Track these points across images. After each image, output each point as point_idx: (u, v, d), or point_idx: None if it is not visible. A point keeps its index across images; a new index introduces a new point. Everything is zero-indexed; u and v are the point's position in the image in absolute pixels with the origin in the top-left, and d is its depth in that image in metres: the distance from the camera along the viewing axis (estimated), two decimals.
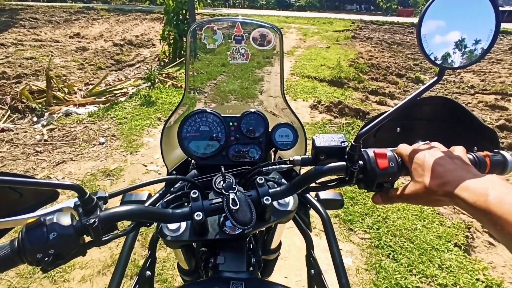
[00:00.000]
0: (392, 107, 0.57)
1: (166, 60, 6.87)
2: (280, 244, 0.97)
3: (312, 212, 0.77)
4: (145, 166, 2.91)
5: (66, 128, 3.60)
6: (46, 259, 0.41)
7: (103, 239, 0.47)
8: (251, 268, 0.66)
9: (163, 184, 0.75)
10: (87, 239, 0.47)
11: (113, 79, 5.81)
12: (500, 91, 5.40)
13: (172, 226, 0.58)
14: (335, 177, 0.61)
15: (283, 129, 0.80)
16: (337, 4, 46.44)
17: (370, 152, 0.56)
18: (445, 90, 5.77)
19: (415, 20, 18.50)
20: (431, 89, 0.55)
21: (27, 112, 3.91)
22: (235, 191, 0.57)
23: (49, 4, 17.24)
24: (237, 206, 0.53)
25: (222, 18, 0.90)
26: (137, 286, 0.68)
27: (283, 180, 0.74)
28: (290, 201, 0.64)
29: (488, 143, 0.67)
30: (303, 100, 4.73)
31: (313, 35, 11.74)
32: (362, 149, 0.57)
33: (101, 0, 27.01)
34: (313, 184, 0.62)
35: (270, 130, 0.82)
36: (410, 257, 1.99)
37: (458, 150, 0.53)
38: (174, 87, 5.02)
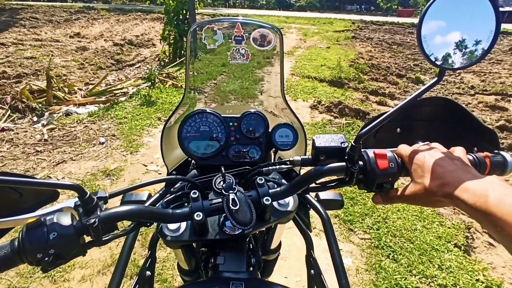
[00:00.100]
0: (392, 107, 0.57)
1: (166, 60, 6.87)
2: (280, 244, 0.97)
3: (312, 212, 0.77)
4: (145, 166, 2.91)
5: (66, 127, 3.60)
6: (46, 259, 0.42)
7: (103, 239, 0.47)
8: (251, 268, 0.65)
9: (163, 184, 0.75)
10: (87, 239, 0.47)
11: (113, 79, 5.81)
12: (500, 92, 5.40)
13: (172, 226, 0.58)
14: (335, 177, 0.61)
15: (283, 129, 0.80)
16: (338, 4, 46.47)
17: (370, 152, 0.56)
18: (445, 90, 5.77)
19: (415, 20, 18.50)
20: (431, 90, 0.55)
21: (27, 111, 3.91)
22: (235, 191, 0.57)
23: (50, 3, 17.27)
24: (237, 207, 0.53)
25: (223, 18, 0.90)
26: (137, 286, 0.68)
27: (283, 181, 0.74)
28: (290, 202, 0.64)
29: (488, 143, 0.67)
30: (303, 100, 4.73)
31: (313, 35, 11.74)
32: (362, 150, 0.57)
33: (102, 0, 27.01)
34: (313, 185, 0.62)
35: (270, 130, 0.82)
36: (410, 257, 1.99)
37: (458, 151, 0.53)
38: (174, 87, 5.02)
